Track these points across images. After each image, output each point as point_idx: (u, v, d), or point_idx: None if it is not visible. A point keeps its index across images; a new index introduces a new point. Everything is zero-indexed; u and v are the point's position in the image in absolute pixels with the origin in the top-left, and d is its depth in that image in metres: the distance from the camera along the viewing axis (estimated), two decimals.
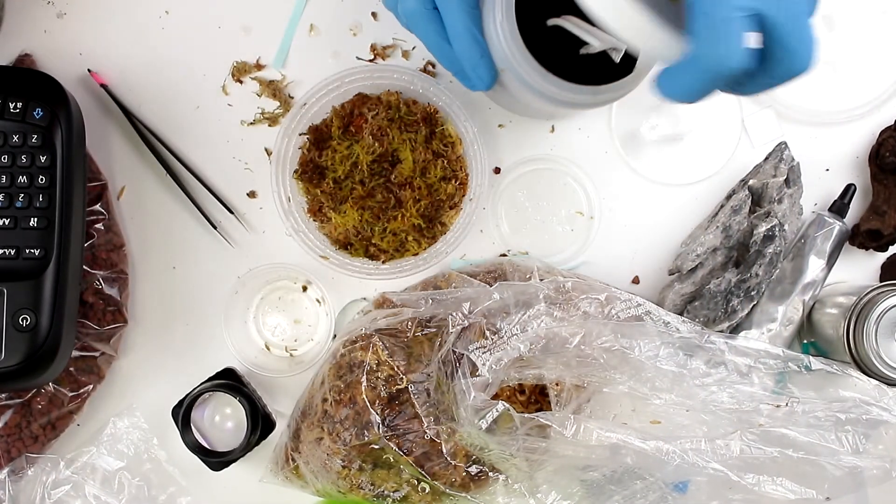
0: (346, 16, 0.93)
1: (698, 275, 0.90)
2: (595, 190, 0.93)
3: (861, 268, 0.93)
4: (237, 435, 0.91)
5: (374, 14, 0.93)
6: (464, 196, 0.91)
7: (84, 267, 0.89)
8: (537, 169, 0.93)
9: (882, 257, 0.93)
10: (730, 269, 0.89)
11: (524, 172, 0.93)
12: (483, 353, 0.81)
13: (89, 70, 0.93)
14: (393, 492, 0.84)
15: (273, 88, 0.93)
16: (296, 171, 0.91)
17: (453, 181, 0.90)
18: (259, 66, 0.93)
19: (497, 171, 0.93)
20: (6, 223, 0.82)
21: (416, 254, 0.90)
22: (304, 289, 0.94)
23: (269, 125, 0.94)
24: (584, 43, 0.75)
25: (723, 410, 0.81)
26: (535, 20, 0.74)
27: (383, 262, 0.90)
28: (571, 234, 0.93)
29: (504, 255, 0.93)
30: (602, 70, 0.75)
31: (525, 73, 0.74)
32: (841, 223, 0.90)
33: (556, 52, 0.74)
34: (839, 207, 0.91)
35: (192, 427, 0.89)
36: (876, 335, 0.82)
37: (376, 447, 0.83)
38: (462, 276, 0.88)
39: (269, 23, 0.93)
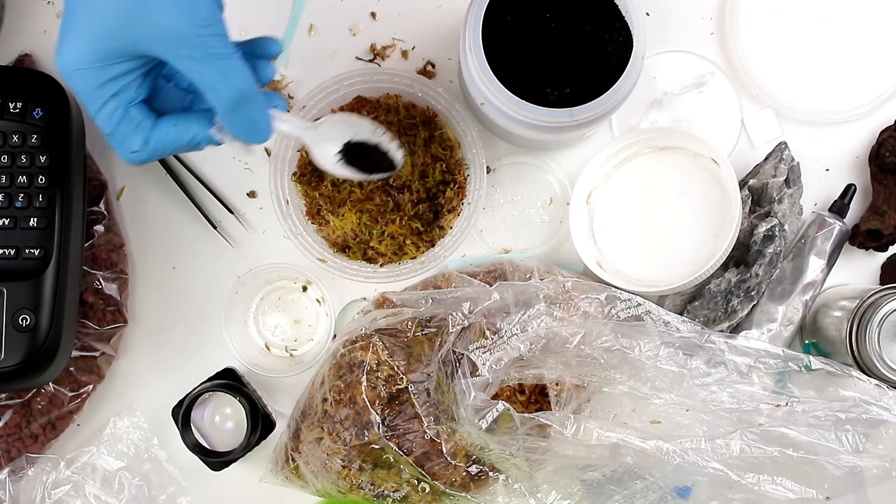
0: (345, 16, 0.93)
1: None
2: (569, 179, 0.93)
3: (861, 268, 0.93)
4: (237, 435, 0.91)
5: (373, 14, 0.93)
6: (462, 199, 0.90)
7: (84, 267, 0.89)
8: (516, 163, 0.94)
9: (882, 257, 0.93)
10: (730, 269, 0.89)
11: (503, 165, 0.94)
12: (483, 352, 0.81)
13: None
14: (393, 492, 0.84)
15: (273, 88, 0.93)
16: (294, 174, 0.91)
17: (452, 185, 0.90)
18: None
19: (489, 170, 0.93)
20: (6, 223, 0.82)
21: (415, 257, 0.90)
22: (304, 289, 0.94)
23: None
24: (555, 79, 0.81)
25: (723, 410, 0.81)
26: (508, 59, 0.81)
27: (381, 266, 0.90)
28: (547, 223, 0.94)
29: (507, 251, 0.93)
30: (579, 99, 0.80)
31: (500, 103, 0.78)
32: (841, 223, 0.90)
33: (534, 90, 0.81)
34: (839, 207, 0.91)
35: (192, 427, 0.89)
36: (879, 338, 0.82)
37: (376, 447, 0.83)
38: (462, 275, 0.88)
39: (268, 23, 0.93)
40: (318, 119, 0.76)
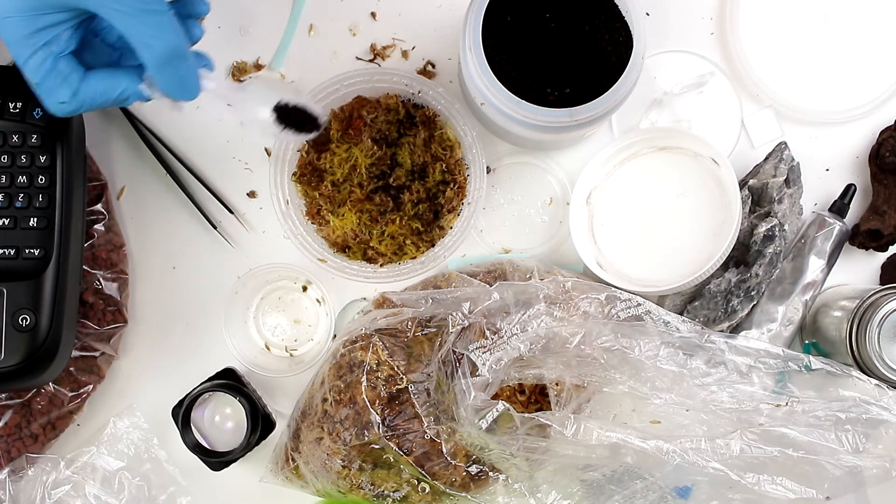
0: (345, 16, 0.93)
1: None
2: (569, 179, 0.93)
3: (861, 268, 0.93)
4: (237, 435, 0.91)
5: (373, 14, 0.93)
6: (462, 199, 0.90)
7: (84, 267, 0.89)
8: (516, 163, 0.94)
9: (882, 257, 0.93)
10: (730, 269, 0.89)
11: (503, 165, 0.94)
12: (483, 352, 0.81)
13: None
14: (393, 492, 0.84)
15: None
16: (294, 174, 0.91)
17: (452, 185, 0.90)
18: (258, 66, 0.93)
19: (489, 170, 0.93)
20: (6, 223, 0.82)
21: (415, 257, 0.90)
22: (304, 289, 0.94)
23: None
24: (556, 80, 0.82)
25: (723, 410, 0.81)
26: (508, 59, 0.81)
27: (381, 266, 0.90)
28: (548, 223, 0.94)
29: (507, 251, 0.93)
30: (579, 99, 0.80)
31: (500, 103, 0.79)
32: (841, 223, 0.90)
33: (534, 90, 0.81)
34: (839, 207, 0.91)
35: (192, 427, 0.89)
36: (879, 338, 0.82)
37: (376, 447, 0.83)
38: (462, 275, 0.88)
39: (268, 23, 0.93)
40: (241, 81, 0.76)
